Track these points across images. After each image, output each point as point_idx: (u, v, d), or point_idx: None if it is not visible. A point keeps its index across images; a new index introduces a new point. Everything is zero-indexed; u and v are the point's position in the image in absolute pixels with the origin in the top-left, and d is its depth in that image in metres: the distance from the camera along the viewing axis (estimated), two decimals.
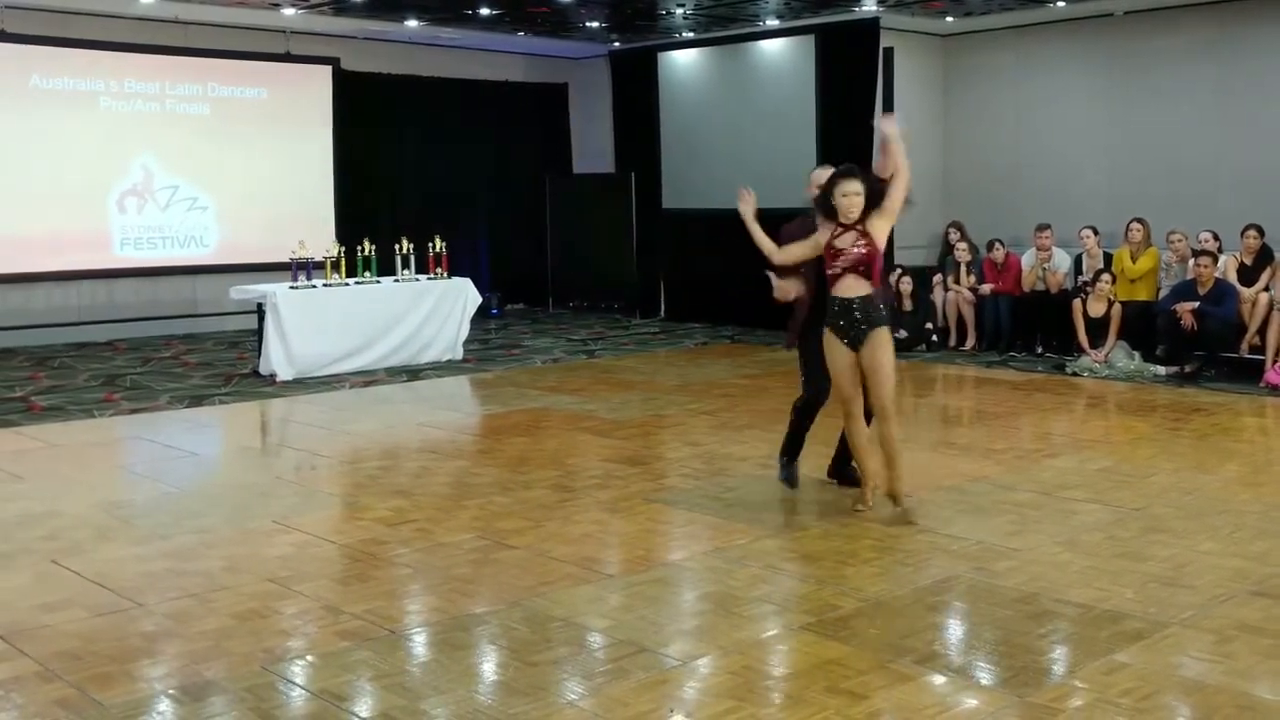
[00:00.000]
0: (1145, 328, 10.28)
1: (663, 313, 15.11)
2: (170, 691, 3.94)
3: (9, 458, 7.56)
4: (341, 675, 4.05)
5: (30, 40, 12.37)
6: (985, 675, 4.00)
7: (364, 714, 3.76)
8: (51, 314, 12.72)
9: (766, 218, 14.72)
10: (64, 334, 12.71)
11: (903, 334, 11.64)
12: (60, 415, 8.87)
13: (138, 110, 13.24)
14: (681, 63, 14.65)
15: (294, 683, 4.01)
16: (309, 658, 4.23)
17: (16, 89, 12.42)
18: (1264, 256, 10.07)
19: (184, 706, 3.83)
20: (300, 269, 10.66)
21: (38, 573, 5.20)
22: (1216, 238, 10.43)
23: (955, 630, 4.50)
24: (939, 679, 3.96)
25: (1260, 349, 9.67)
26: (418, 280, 11.30)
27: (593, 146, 16.34)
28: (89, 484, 6.92)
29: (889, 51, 12.88)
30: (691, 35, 14.23)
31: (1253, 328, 9.75)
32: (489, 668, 4.19)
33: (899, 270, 12.03)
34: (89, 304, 12.98)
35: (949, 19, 12.95)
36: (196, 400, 9.48)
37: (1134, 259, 10.84)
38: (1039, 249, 11.53)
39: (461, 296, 11.45)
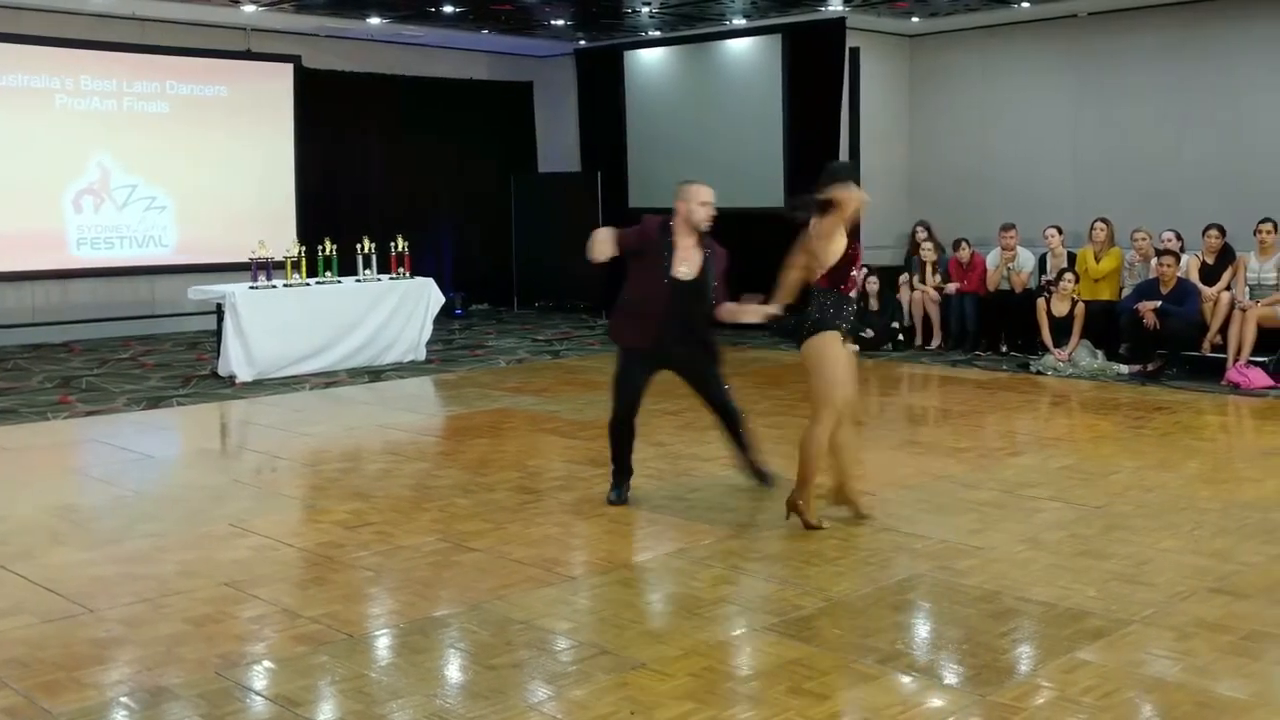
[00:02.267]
0: (1108, 327, 10.34)
1: None
2: (122, 699, 3.86)
3: None
4: (299, 680, 3.98)
5: None
6: (948, 674, 3.99)
7: (322, 718, 3.70)
8: (5, 315, 12.50)
9: (736, 217, 14.70)
10: (17, 335, 12.48)
11: (869, 333, 11.69)
12: (13, 418, 8.71)
13: (94, 108, 13.06)
14: (648, 61, 14.62)
15: (250, 688, 3.94)
16: (266, 663, 4.16)
17: None
18: (1225, 256, 10.14)
19: (136, 714, 3.75)
20: (260, 269, 10.54)
21: None
22: (1179, 237, 10.50)
23: (918, 629, 4.48)
24: (902, 678, 3.94)
25: (1222, 348, 9.74)
26: (380, 280, 11.20)
27: (558, 145, 16.27)
28: (41, 487, 6.80)
29: (855, 51, 12.91)
30: (658, 34, 14.20)
31: (1214, 326, 9.82)
32: (449, 671, 4.14)
33: (865, 270, 12.05)
34: (44, 305, 12.78)
35: (915, 19, 12.99)
36: (154, 402, 9.35)
37: (1097, 259, 10.90)
38: (1004, 248, 11.58)
39: (424, 297, 11.36)
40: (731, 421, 6.26)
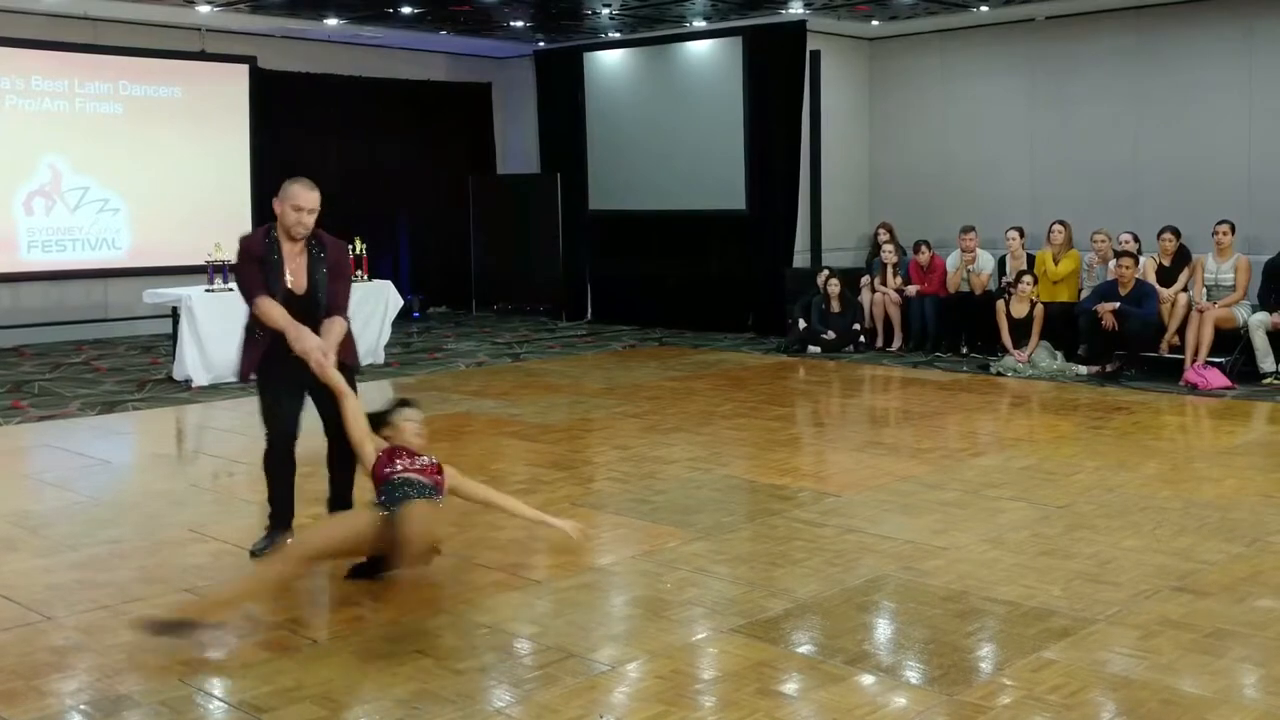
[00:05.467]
0: (1067, 328, 10.43)
1: (589, 315, 15.03)
2: (82, 706, 3.79)
3: None
4: (262, 686, 3.92)
5: None
6: (915, 674, 3.99)
7: None
8: None
9: (697, 219, 14.63)
10: None
11: (830, 335, 11.73)
12: None
13: (45, 109, 12.85)
14: (608, 63, 14.59)
15: (213, 695, 3.88)
16: (229, 669, 4.09)
17: None
18: (1181, 258, 10.27)
19: None
20: (217, 272, 10.42)
21: None
22: (1137, 239, 10.62)
23: (885, 630, 4.49)
24: (869, 679, 3.94)
25: (1179, 349, 9.85)
26: None
27: (517, 147, 16.22)
28: None
29: (815, 54, 12.96)
30: (618, 35, 14.18)
31: (1172, 327, 9.93)
32: (415, 677, 4.08)
33: (826, 271, 12.10)
34: None
35: (874, 22, 13.05)
36: (109, 407, 9.20)
37: (1056, 261, 11.00)
38: (963, 250, 11.66)
39: (382, 299, 11.27)
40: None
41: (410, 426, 4.96)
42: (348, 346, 5.26)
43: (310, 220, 5.16)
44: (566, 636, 4.33)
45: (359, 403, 5.06)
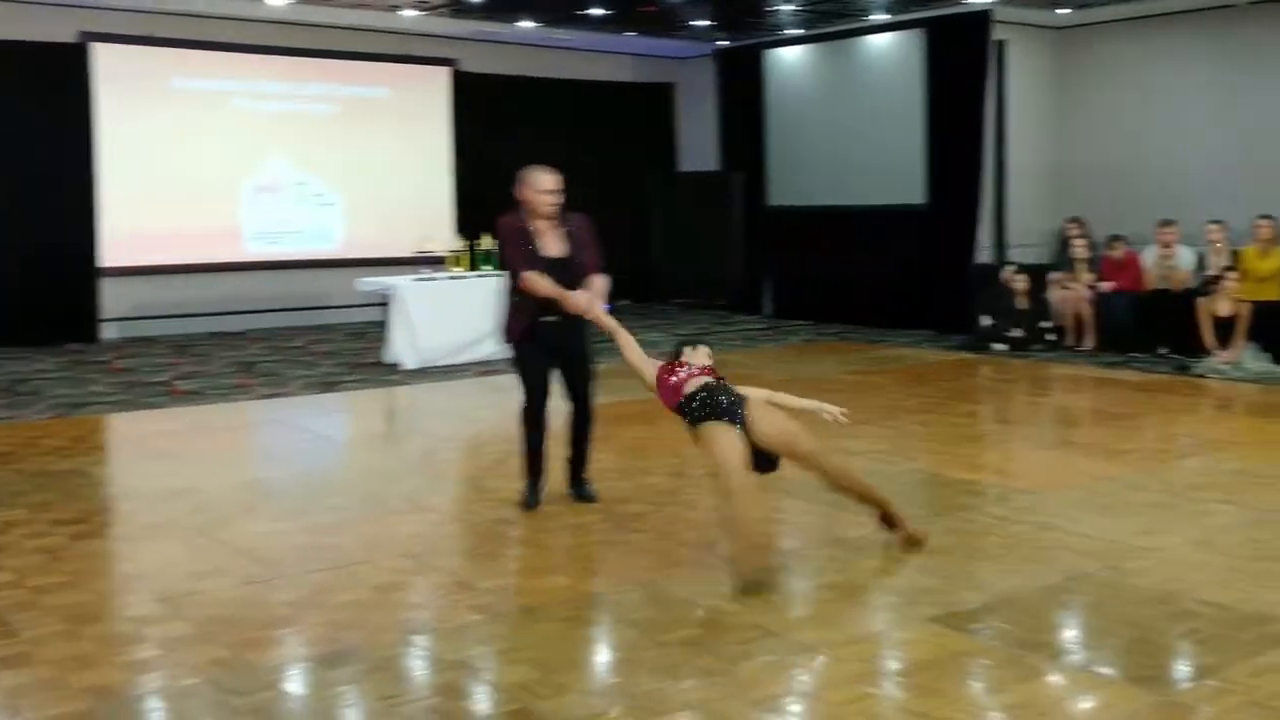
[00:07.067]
0: (1276, 328, 9.95)
1: (768, 310, 15.09)
2: (315, 657, 4.08)
3: (155, 437, 8.01)
4: (478, 648, 4.14)
5: (172, 44, 12.91)
6: (1122, 673, 3.91)
7: (500, 684, 3.84)
8: (188, 304, 13.27)
9: (876, 214, 14.42)
10: (200, 324, 13.25)
11: (1017, 333, 11.47)
12: (199, 399, 9.26)
13: (269, 109, 13.71)
14: (788, 60, 14.61)
15: (432, 653, 4.13)
16: (444, 631, 4.32)
17: (159, 90, 13.00)
18: None
19: (330, 670, 3.95)
20: (424, 262, 10.98)
21: (188, 543, 5.43)
22: None
23: (1090, 627, 4.40)
24: (1074, 676, 3.89)
25: None
26: None
27: (697, 145, 16.38)
28: (229, 462, 7.24)
29: (1001, 44, 12.69)
30: (799, 32, 14.18)
31: None
32: (620, 646, 4.24)
33: (1013, 267, 11.85)
34: (222, 296, 13.45)
35: (1064, 10, 12.70)
36: (326, 386, 9.77)
37: (1262, 256, 10.52)
38: (1161, 245, 11.24)
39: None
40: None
41: (703, 349, 5.54)
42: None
43: (557, 200, 5.96)
44: (763, 615, 4.40)
45: (629, 335, 5.65)
